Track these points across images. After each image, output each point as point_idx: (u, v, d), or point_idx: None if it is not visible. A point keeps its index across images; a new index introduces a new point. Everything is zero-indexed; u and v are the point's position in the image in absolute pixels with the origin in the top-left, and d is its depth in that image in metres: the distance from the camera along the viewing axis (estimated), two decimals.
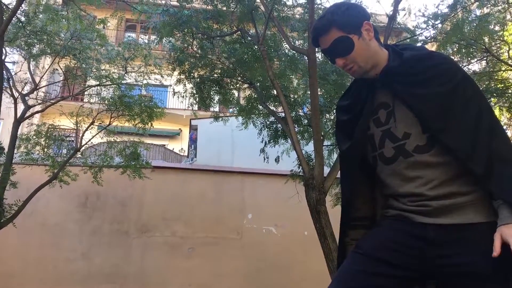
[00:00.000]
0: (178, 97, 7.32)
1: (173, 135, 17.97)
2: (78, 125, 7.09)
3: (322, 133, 6.11)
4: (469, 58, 8.68)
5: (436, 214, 1.51)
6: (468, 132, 1.49)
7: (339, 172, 1.82)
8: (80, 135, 7.06)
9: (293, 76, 6.67)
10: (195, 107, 7.22)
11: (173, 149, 16.09)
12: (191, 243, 8.54)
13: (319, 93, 6.19)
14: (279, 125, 6.21)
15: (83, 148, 7.31)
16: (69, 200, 8.32)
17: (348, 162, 1.73)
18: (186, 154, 14.83)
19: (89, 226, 8.35)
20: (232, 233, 8.79)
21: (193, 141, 11.69)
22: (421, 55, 1.62)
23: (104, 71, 7.58)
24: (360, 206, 1.73)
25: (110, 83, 7.40)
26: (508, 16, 8.90)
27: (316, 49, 5.77)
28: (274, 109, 6.45)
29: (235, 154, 9.73)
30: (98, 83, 7.34)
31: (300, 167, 5.23)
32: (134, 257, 8.30)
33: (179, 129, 17.84)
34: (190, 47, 6.64)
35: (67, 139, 8.37)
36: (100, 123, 7.34)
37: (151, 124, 7.09)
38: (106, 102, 6.90)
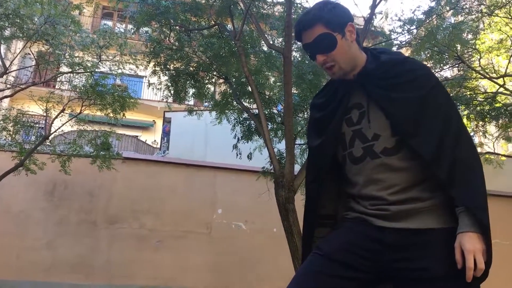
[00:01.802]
0: (153, 88, 7.25)
1: (146, 127, 17.81)
2: (48, 112, 6.92)
3: (295, 132, 6.15)
4: (441, 65, 8.87)
5: (394, 218, 1.53)
6: (435, 138, 1.51)
7: (306, 168, 1.84)
8: (50, 122, 6.91)
9: (269, 74, 6.68)
10: (170, 100, 7.15)
11: (146, 140, 15.95)
12: (159, 236, 8.48)
13: (294, 92, 6.23)
14: (252, 122, 6.22)
15: (52, 136, 7.16)
16: (35, 188, 8.15)
17: (317, 159, 1.74)
18: (158, 146, 14.71)
19: (56, 215, 8.19)
20: (201, 228, 8.76)
21: (166, 133, 11.59)
22: (397, 59, 1.66)
23: (77, 58, 7.43)
24: (326, 204, 1.75)
25: (83, 71, 7.26)
26: (481, 25, 9.11)
27: (293, 47, 5.81)
28: (249, 106, 6.45)
29: (208, 148, 9.70)
30: (70, 70, 7.18)
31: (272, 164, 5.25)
32: (101, 248, 8.18)
33: (153, 120, 17.68)
34: (167, 39, 6.58)
35: (36, 126, 8.19)
36: (71, 111, 7.20)
37: (123, 115, 7.00)
38: (77, 90, 6.76)
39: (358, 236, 1.58)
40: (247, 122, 6.36)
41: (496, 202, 9.61)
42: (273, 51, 6.24)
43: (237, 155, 6.55)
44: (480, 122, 8.23)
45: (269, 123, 6.07)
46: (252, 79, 5.23)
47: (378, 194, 1.56)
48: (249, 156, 6.45)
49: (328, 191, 1.74)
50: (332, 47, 1.60)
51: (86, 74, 7.08)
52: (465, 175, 1.48)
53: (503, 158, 9.81)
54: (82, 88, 6.77)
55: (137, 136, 16.86)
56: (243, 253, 8.49)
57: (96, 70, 7.57)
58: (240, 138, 6.45)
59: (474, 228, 1.42)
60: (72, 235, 8.11)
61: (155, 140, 16.51)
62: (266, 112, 6.08)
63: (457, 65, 9.21)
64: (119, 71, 7.94)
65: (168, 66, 6.61)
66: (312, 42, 1.62)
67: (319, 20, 1.60)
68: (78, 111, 7.09)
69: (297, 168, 5.79)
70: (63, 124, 7.04)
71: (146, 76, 10.03)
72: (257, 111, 5.40)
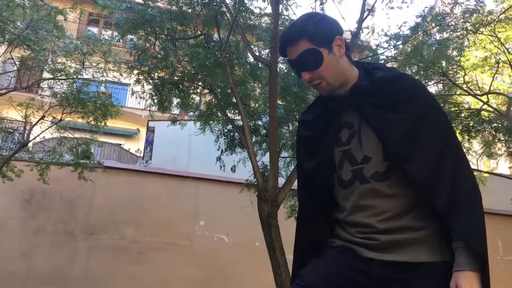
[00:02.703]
0: (136, 97, 7.12)
1: (130, 135, 17.58)
2: (27, 119, 6.75)
3: (280, 145, 6.07)
4: (426, 80, 8.92)
5: (383, 249, 1.42)
6: (432, 163, 1.41)
7: (297, 188, 1.72)
8: (29, 129, 6.73)
9: (255, 85, 6.61)
10: (153, 108, 7.03)
11: (129, 149, 15.73)
12: (139, 248, 8.30)
13: (279, 104, 6.16)
14: (236, 134, 6.13)
15: (31, 142, 6.98)
16: (12, 196, 7.93)
17: (313, 182, 1.60)
18: (142, 155, 14.52)
19: (32, 225, 7.97)
20: (183, 240, 8.61)
21: (149, 142, 11.44)
22: (392, 76, 1.55)
23: (60, 65, 7.28)
24: (318, 228, 1.62)
25: (65, 77, 7.11)
26: (466, 42, 9.20)
27: (279, 59, 5.75)
28: (234, 117, 6.36)
29: (191, 159, 9.58)
30: (52, 76, 7.02)
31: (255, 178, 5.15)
32: (79, 260, 7.97)
33: (137, 129, 17.47)
34: (152, 47, 6.48)
35: (15, 132, 7.99)
36: (52, 118, 7.03)
37: (105, 123, 6.85)
38: (58, 96, 6.59)
39: (344, 267, 1.47)
40: (231, 133, 6.26)
41: None
42: (259, 63, 6.17)
43: (220, 167, 6.44)
44: (466, 137, 8.25)
45: (254, 136, 5.98)
46: (236, 91, 5.15)
47: (367, 221, 1.45)
48: (233, 169, 6.34)
49: (322, 215, 1.61)
50: (318, 64, 1.48)
51: (68, 80, 6.92)
52: (465, 206, 1.37)
53: (486, 175, 9.86)
54: (63, 95, 6.60)
55: (120, 144, 16.64)
56: (224, 266, 8.34)
57: (79, 77, 7.43)
58: (223, 150, 6.35)
59: (472, 267, 1.31)
60: (49, 246, 7.90)
61: (138, 149, 16.30)
62: (251, 124, 5.99)
63: (442, 81, 9.28)
64: (103, 78, 7.81)
65: (152, 75, 6.50)
66: (296, 58, 1.51)
67: (303, 35, 1.48)
68: (59, 118, 6.91)
69: (281, 181, 5.71)
70: (42, 131, 6.88)
71: (130, 84, 9.88)
72: (241, 122, 5.31)
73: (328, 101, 1.59)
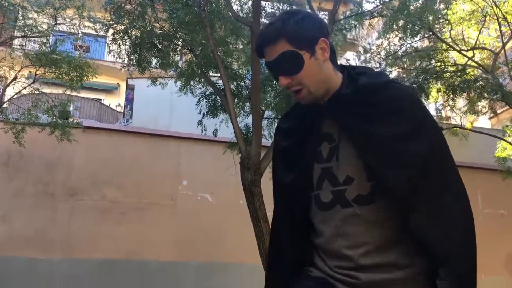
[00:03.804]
0: (113, 55, 6.82)
1: (110, 90, 17.10)
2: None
3: (263, 107, 5.92)
4: (412, 36, 8.76)
5: None
6: (427, 190, 1.24)
7: (273, 202, 1.53)
8: (1, 90, 6.43)
9: (237, 45, 6.34)
10: (132, 68, 6.76)
11: (109, 104, 15.37)
12: (122, 208, 8.23)
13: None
14: (218, 97, 5.94)
15: (5, 104, 6.69)
16: None
17: (289, 200, 1.42)
18: (123, 111, 14.21)
19: (11, 187, 7.80)
20: (165, 199, 8.56)
21: (129, 101, 11.13)
22: (378, 84, 1.36)
23: (31, 21, 6.88)
24: (297, 250, 1.44)
25: (37, 35, 6.73)
26: None
27: (262, 20, 5.50)
28: (215, 79, 6.13)
29: (173, 117, 9.36)
30: (23, 34, 6.65)
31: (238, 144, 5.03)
32: (60, 221, 7.89)
33: (117, 83, 16.97)
34: (128, 1, 6.13)
35: None
36: (26, 79, 6.70)
37: (81, 84, 6.56)
38: (30, 58, 6.25)
39: None
40: (213, 96, 6.06)
41: (460, 173, 9.75)
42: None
43: (202, 131, 6.27)
44: (451, 95, 8.18)
45: (236, 98, 5.79)
46: (218, 53, 4.92)
47: (347, 253, 1.28)
48: (214, 133, 6.19)
49: (301, 234, 1.43)
50: (297, 69, 1.30)
51: (41, 39, 6.54)
52: (460, 247, 1.23)
53: (468, 131, 9.90)
54: (34, 56, 6.25)
55: (100, 99, 16.26)
56: (208, 225, 8.35)
57: (53, 33, 7.05)
58: (205, 114, 6.17)
59: None
60: (29, 208, 7.77)
61: (119, 104, 15.91)
62: (233, 87, 5.79)
63: (428, 37, 9.11)
64: (79, 34, 7.44)
65: (129, 34, 6.19)
66: (273, 61, 1.33)
67: (282, 35, 1.30)
68: (33, 80, 6.60)
69: (264, 142, 5.57)
70: (16, 93, 6.56)
71: (108, 36, 9.46)
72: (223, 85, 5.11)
73: (307, 107, 1.41)
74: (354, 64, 1.76)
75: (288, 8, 6.01)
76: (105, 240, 7.92)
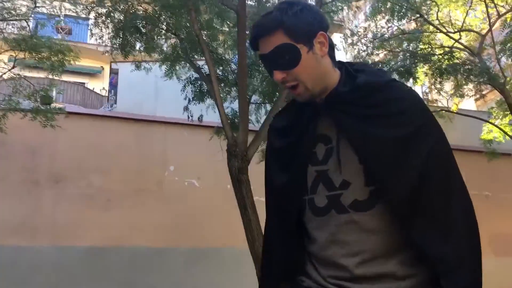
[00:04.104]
0: (96, 39, 6.65)
1: (94, 73, 16.81)
2: None
3: (250, 92, 5.83)
4: (399, 18, 8.70)
5: None
6: (428, 196, 1.18)
7: (265, 203, 1.45)
8: None
9: (223, 27, 6.20)
10: (115, 52, 6.59)
11: (93, 88, 15.12)
12: (108, 195, 8.13)
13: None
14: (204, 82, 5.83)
15: None
16: None
17: (283, 203, 1.35)
18: (107, 95, 13.99)
19: None
20: (152, 185, 8.48)
21: (113, 86, 10.93)
22: (378, 82, 1.28)
23: (9, 3, 6.65)
24: (289, 251, 1.37)
25: (16, 18, 6.51)
26: None
27: (248, 3, 5.37)
28: (202, 63, 6.00)
29: (158, 102, 9.21)
30: (1, 18, 6.42)
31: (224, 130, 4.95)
32: (45, 209, 7.78)
33: (101, 67, 16.68)
34: None
35: None
36: (10, 57, 6.49)
37: (62, 70, 6.39)
38: (8, 42, 6.06)
39: None
40: (199, 82, 5.95)
41: None
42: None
43: (188, 117, 6.17)
44: (438, 79, 8.16)
45: (223, 83, 5.69)
46: (203, 38, 4.80)
47: (342, 262, 1.21)
48: (200, 118, 6.09)
49: (293, 241, 1.36)
50: (293, 63, 1.23)
51: (19, 23, 6.32)
52: (462, 257, 1.16)
53: (454, 113, 9.93)
54: (14, 41, 6.05)
55: (84, 83, 15.97)
56: (195, 210, 8.30)
57: (33, 15, 6.83)
58: (191, 100, 6.06)
59: None
60: (13, 195, 7.64)
61: (103, 88, 15.66)
62: (219, 72, 5.68)
63: (415, 19, 9.05)
64: (60, 17, 7.22)
65: (112, 16, 6.02)
66: (269, 53, 1.24)
67: (279, 26, 1.22)
68: (12, 65, 6.41)
69: (251, 127, 5.49)
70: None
71: (91, 18, 9.23)
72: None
73: (302, 105, 1.33)
74: (351, 61, 1.63)
75: None
76: (92, 227, 7.83)
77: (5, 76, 6.79)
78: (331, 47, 1.30)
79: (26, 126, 7.29)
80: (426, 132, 1.24)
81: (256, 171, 6.47)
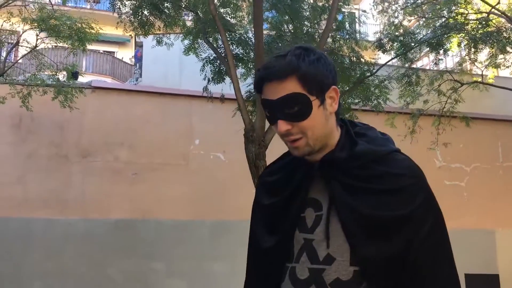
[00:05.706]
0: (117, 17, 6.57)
1: (123, 42, 16.78)
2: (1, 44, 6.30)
3: None
4: None
5: None
6: (416, 281, 1.09)
7: (246, 263, 1.34)
8: (4, 56, 6.31)
9: (238, 4, 6.01)
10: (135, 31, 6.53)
11: (122, 58, 15.15)
12: (134, 169, 8.26)
13: (267, 27, 5.68)
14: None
15: (8, 69, 6.58)
16: (0, 121, 7.74)
17: (267, 266, 1.23)
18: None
19: (24, 149, 7.86)
20: (178, 159, 8.54)
21: (138, 59, 10.89)
22: (378, 153, 1.17)
23: None
24: None
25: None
26: None
27: None
28: (221, 42, 5.86)
29: (183, 75, 9.14)
30: None
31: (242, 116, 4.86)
32: (74, 183, 7.99)
33: (130, 35, 16.62)
34: None
35: None
36: (28, 43, 6.54)
37: (84, 48, 6.39)
38: (29, 23, 6.07)
39: None
40: (217, 61, 5.83)
41: (481, 125, 9.47)
42: None
43: (208, 98, 6.10)
44: (472, 49, 7.74)
45: (240, 65, 5.56)
46: (219, 20, 4.66)
47: None
48: (222, 99, 6.01)
49: None
50: (303, 116, 1.10)
51: (39, 3, 6.32)
52: None
53: (491, 81, 9.48)
54: (33, 21, 6.05)
55: (114, 52, 16.03)
56: (221, 183, 8.34)
57: None
58: (211, 79, 5.96)
59: None
60: (43, 170, 7.86)
61: (132, 57, 15.67)
62: (238, 51, 5.54)
63: None
64: None
65: None
66: (276, 100, 1.11)
67: (293, 72, 1.10)
68: (34, 45, 6.44)
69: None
70: (20, 58, 6.44)
71: None
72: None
73: (296, 162, 1.21)
74: (357, 122, 1.42)
75: None
76: (120, 200, 8.02)
77: (25, 59, 6.88)
78: (339, 105, 1.19)
79: (52, 102, 7.42)
80: (421, 218, 1.11)
81: (274, 157, 6.38)
